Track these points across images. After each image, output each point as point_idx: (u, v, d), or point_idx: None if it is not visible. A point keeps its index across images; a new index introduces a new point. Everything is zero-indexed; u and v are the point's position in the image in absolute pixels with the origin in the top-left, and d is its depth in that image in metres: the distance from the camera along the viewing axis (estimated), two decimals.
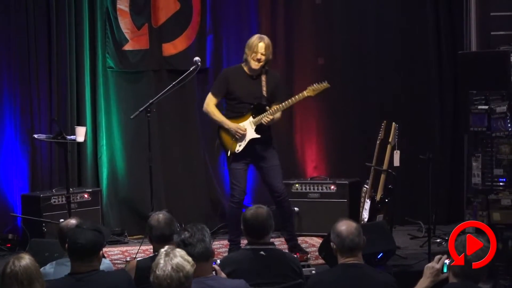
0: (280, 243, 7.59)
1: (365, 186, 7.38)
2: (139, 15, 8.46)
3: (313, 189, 8.19)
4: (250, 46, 6.86)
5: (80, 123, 8.13)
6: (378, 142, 7.38)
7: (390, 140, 7.29)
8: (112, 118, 8.51)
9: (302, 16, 8.71)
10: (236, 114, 6.95)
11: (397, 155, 7.27)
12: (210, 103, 7.00)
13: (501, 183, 6.60)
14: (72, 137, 7.38)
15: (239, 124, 6.91)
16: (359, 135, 8.57)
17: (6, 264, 3.92)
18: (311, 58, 8.71)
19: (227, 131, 6.93)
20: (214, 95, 7.00)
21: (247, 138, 6.91)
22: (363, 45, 8.69)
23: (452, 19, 8.48)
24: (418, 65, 8.61)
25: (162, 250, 3.81)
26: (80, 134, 7.35)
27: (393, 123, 7.34)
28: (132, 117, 7.23)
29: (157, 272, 3.71)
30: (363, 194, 7.38)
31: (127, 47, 8.46)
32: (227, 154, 6.97)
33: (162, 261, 3.72)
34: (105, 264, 4.70)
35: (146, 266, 4.81)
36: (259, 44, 6.84)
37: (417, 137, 8.43)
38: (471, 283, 3.88)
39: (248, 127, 6.92)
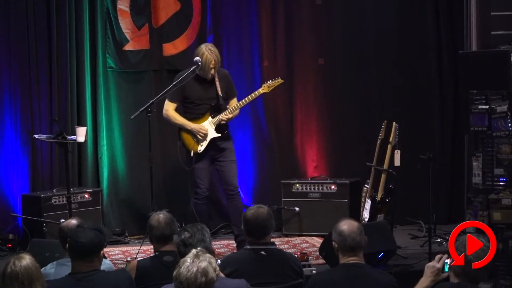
0: (280, 243, 7.60)
1: (366, 186, 7.39)
2: (140, 15, 8.47)
3: (314, 189, 8.19)
4: (204, 65, 7.11)
5: (81, 123, 8.13)
6: (378, 142, 7.39)
7: (390, 140, 7.30)
8: (112, 118, 8.51)
9: (302, 17, 8.71)
10: (195, 116, 7.24)
11: (397, 155, 7.28)
12: (169, 109, 7.30)
13: (501, 183, 6.59)
14: (73, 137, 7.38)
15: (201, 124, 7.18)
16: (360, 135, 8.56)
17: (7, 264, 3.92)
18: (311, 58, 8.71)
19: (189, 132, 7.21)
20: (172, 101, 7.29)
21: (208, 138, 7.21)
22: (363, 45, 8.69)
23: (452, 19, 8.47)
24: (418, 65, 8.60)
25: (194, 250, 3.83)
26: (81, 134, 7.35)
27: (394, 123, 7.36)
28: (132, 117, 7.26)
29: (182, 270, 3.71)
30: (363, 194, 7.39)
31: (128, 47, 8.46)
32: (190, 155, 7.19)
33: (189, 261, 3.73)
34: (105, 264, 4.71)
35: (146, 266, 4.84)
36: (211, 63, 7.11)
37: (418, 137, 8.42)
38: (468, 285, 3.88)
39: (208, 127, 7.21)
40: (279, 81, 7.38)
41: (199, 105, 7.23)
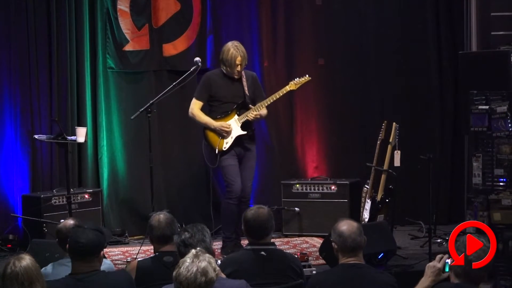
0: (280, 243, 7.60)
1: (366, 186, 7.39)
2: (140, 15, 8.47)
3: (314, 189, 8.18)
4: (230, 62, 7.10)
5: (81, 124, 8.13)
6: (378, 142, 7.39)
7: (390, 140, 7.30)
8: (112, 119, 8.51)
9: (302, 17, 8.72)
10: (221, 115, 7.20)
11: (397, 155, 7.28)
12: (195, 107, 7.26)
13: (501, 183, 6.59)
14: (73, 137, 7.37)
15: (224, 122, 7.13)
16: (360, 135, 8.57)
17: (7, 265, 3.91)
18: (311, 58, 8.71)
19: (213, 130, 7.16)
20: (198, 99, 7.26)
21: (233, 135, 7.18)
22: (363, 45, 8.69)
23: (452, 19, 8.48)
24: (418, 65, 8.60)
25: (193, 250, 3.82)
26: (81, 134, 7.35)
27: (394, 123, 7.35)
28: (132, 117, 7.27)
29: (181, 270, 3.71)
30: (363, 194, 7.38)
31: (128, 47, 8.46)
32: (215, 152, 7.09)
33: (189, 261, 3.72)
34: (106, 264, 4.71)
35: (146, 267, 4.84)
36: (237, 59, 7.08)
37: (418, 137, 8.43)
38: (469, 285, 3.88)
39: (233, 125, 7.17)
40: (306, 78, 7.32)
41: (224, 103, 7.19)
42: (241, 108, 7.19)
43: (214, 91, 7.20)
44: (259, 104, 7.20)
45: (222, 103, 7.20)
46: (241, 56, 7.08)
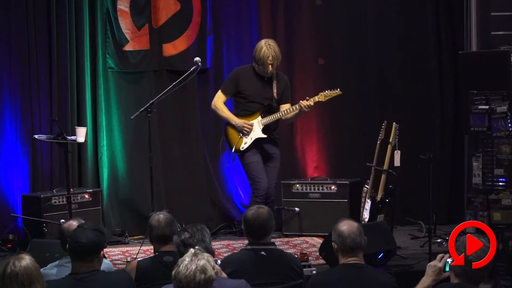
0: (280, 243, 7.59)
1: (366, 186, 7.39)
2: (140, 15, 8.46)
3: (314, 189, 8.18)
4: (262, 61, 6.97)
5: (81, 124, 8.13)
6: (378, 142, 7.39)
7: (390, 140, 7.30)
8: (112, 119, 8.50)
9: (302, 17, 8.71)
10: (245, 112, 7.16)
11: (397, 155, 7.28)
12: (219, 100, 7.22)
13: (501, 183, 6.59)
14: (73, 137, 7.37)
15: (247, 120, 7.07)
16: (360, 135, 8.56)
17: (6, 265, 3.92)
18: (311, 58, 8.71)
19: (234, 127, 7.12)
20: (224, 92, 7.23)
21: (253, 137, 7.08)
22: (363, 45, 8.69)
23: (452, 19, 8.48)
24: (418, 65, 8.61)
25: (192, 249, 3.83)
26: (81, 134, 7.35)
27: (394, 123, 7.36)
28: (132, 117, 7.27)
29: (180, 268, 3.72)
30: (363, 194, 7.38)
31: (128, 47, 8.46)
32: (231, 150, 7.04)
33: (188, 259, 3.74)
34: (105, 264, 4.71)
35: (146, 267, 4.84)
36: (269, 58, 6.96)
37: (418, 137, 8.43)
38: (469, 285, 3.88)
39: (255, 126, 7.09)
40: (337, 92, 7.23)
41: (252, 102, 7.14)
42: (267, 111, 7.11)
43: (242, 87, 7.12)
44: (285, 109, 7.12)
45: (248, 101, 7.14)
46: (272, 56, 6.97)
